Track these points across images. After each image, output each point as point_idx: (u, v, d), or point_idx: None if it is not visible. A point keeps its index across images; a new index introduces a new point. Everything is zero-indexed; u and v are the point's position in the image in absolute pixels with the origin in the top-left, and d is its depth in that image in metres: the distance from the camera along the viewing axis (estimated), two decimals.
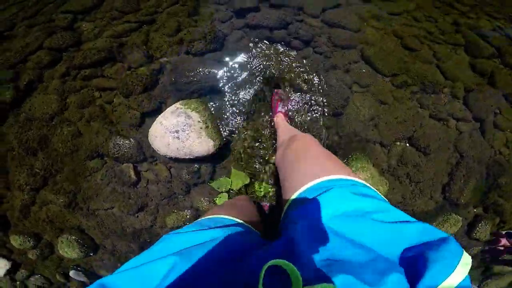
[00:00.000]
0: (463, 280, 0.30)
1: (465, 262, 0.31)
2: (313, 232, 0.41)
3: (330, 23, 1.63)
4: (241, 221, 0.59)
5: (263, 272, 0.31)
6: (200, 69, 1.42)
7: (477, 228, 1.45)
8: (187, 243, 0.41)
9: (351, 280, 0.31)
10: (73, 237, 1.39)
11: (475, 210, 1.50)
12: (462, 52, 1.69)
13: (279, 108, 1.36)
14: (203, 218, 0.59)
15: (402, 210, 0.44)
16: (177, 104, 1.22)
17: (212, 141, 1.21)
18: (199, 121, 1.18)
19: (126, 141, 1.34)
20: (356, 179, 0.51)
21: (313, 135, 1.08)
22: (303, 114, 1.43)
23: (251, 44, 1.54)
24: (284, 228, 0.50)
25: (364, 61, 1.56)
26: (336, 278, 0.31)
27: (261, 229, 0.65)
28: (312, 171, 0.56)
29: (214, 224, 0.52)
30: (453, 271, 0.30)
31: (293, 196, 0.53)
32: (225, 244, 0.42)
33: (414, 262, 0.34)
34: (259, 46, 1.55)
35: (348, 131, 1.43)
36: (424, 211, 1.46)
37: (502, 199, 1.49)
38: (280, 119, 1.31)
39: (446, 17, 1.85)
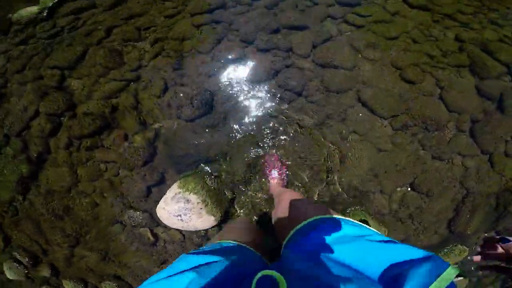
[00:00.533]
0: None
1: (446, 277, 0.32)
2: (304, 255, 0.49)
3: (322, 63, 1.51)
4: (244, 245, 0.64)
5: (255, 281, 0.37)
6: (192, 141, 1.43)
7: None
8: (201, 262, 0.47)
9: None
10: (114, 284, 1.67)
11: (485, 234, 1.48)
12: (467, 74, 1.53)
13: (272, 174, 1.37)
14: (212, 243, 0.66)
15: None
16: (175, 188, 1.28)
17: (213, 216, 1.30)
18: (198, 202, 1.26)
19: (139, 213, 1.46)
20: (340, 216, 0.59)
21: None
22: (298, 176, 1.43)
23: (240, 104, 1.49)
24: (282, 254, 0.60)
25: (361, 104, 1.48)
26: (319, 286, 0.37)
27: (261, 248, 0.71)
28: (300, 215, 0.65)
29: (223, 247, 0.60)
30: (435, 279, 0.31)
31: (289, 234, 0.62)
32: (232, 265, 0.47)
33: (393, 281, 0.35)
34: (248, 106, 1.50)
35: (347, 185, 1.43)
36: (428, 245, 1.48)
37: None
38: (273, 184, 1.34)
39: (447, 32, 1.65)
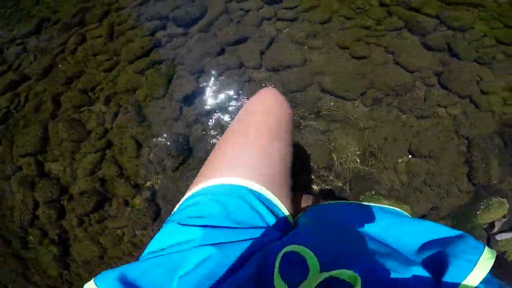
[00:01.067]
0: (487, 274, 0.29)
1: (487, 256, 0.30)
2: (331, 227, 0.42)
3: (275, 68, 1.47)
4: (286, 214, 0.46)
5: (279, 259, 0.30)
6: (186, 187, 1.51)
7: None
8: (225, 238, 0.37)
9: (373, 266, 0.30)
10: None
11: None
12: (407, 34, 1.53)
13: None
14: (202, 188, 0.45)
15: (438, 217, 0.52)
16: None
17: None
18: None
19: None
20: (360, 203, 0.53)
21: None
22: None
23: (216, 135, 1.49)
24: (301, 222, 0.48)
25: (328, 93, 1.49)
26: (357, 264, 0.30)
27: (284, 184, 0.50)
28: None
29: (255, 213, 0.41)
30: (474, 266, 0.29)
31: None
32: (253, 245, 0.38)
33: (434, 258, 0.33)
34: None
35: (347, 177, 1.45)
36: (461, 207, 1.40)
37: None
38: None
39: (371, 0, 1.61)
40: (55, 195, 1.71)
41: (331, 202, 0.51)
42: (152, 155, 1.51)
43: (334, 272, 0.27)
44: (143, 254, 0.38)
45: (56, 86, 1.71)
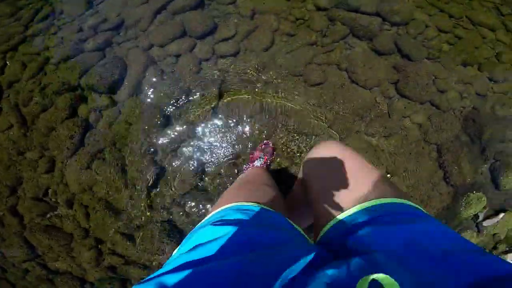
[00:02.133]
0: None
1: None
2: (406, 251, 0.34)
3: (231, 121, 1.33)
4: (278, 213, 0.50)
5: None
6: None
7: (502, 179, 1.38)
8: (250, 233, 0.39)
9: (466, 266, 0.28)
10: None
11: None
12: (355, 41, 1.49)
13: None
14: (227, 207, 0.50)
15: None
16: None
17: None
18: None
19: None
20: (394, 200, 0.43)
21: None
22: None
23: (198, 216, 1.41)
24: (332, 244, 0.43)
25: (296, 134, 1.39)
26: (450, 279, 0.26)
27: (281, 206, 0.59)
28: (351, 192, 0.48)
29: (255, 221, 0.45)
30: None
31: (352, 210, 0.44)
32: (282, 255, 0.35)
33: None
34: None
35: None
36: (445, 207, 1.43)
37: (503, 144, 1.45)
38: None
39: (307, 5, 1.52)
40: (77, 285, 1.76)
41: (365, 206, 0.43)
42: (146, 242, 1.50)
43: None
44: (172, 258, 0.38)
45: (3, 199, 1.49)
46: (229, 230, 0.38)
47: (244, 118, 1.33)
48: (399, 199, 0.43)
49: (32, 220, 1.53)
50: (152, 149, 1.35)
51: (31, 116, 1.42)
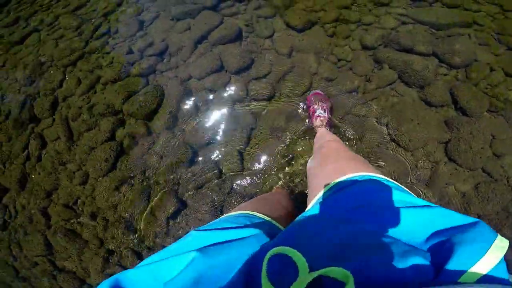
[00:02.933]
0: (496, 265, 0.25)
1: (500, 245, 0.26)
2: (324, 221, 0.40)
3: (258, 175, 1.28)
4: (269, 219, 0.53)
5: (266, 261, 0.28)
6: None
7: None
8: (210, 241, 0.39)
9: (365, 262, 0.28)
10: None
11: None
12: (404, 88, 1.35)
13: (316, 112, 1.22)
14: (230, 214, 0.56)
15: None
16: None
17: None
18: None
19: None
20: (381, 176, 0.49)
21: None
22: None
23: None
24: None
25: None
26: (350, 261, 0.28)
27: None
28: (337, 169, 0.55)
29: (241, 222, 0.48)
30: (484, 255, 0.25)
31: (319, 194, 0.51)
32: (248, 245, 0.39)
33: (440, 247, 0.30)
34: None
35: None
36: None
37: None
38: (316, 125, 1.22)
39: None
40: (77, 285, 1.89)
41: (340, 180, 0.49)
42: None
43: (323, 271, 0.25)
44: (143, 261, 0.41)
45: (38, 200, 1.65)
46: (188, 235, 0.41)
47: (271, 168, 1.29)
48: (368, 174, 0.49)
49: (57, 222, 1.67)
50: (177, 183, 1.38)
51: (77, 132, 1.55)
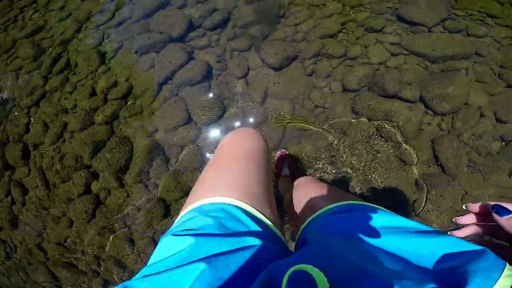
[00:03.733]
0: None
1: (508, 274, 0.28)
2: (341, 241, 0.39)
3: None
4: (271, 226, 0.47)
5: (286, 279, 0.27)
6: None
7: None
8: (215, 249, 0.37)
9: (386, 285, 0.27)
10: None
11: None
12: (381, 143, 1.30)
13: (283, 171, 1.24)
14: (196, 207, 0.47)
15: None
16: None
17: None
18: None
19: None
20: (368, 204, 0.49)
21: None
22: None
23: None
24: (303, 241, 0.48)
25: None
26: (369, 283, 0.28)
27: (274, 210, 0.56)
28: (326, 197, 0.56)
29: (243, 225, 0.43)
30: (494, 284, 0.26)
31: (312, 216, 0.50)
32: (253, 257, 0.37)
33: (451, 274, 0.30)
34: None
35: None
36: None
37: None
38: (284, 182, 1.20)
39: None
40: None
41: (340, 204, 0.49)
42: None
43: None
44: (143, 269, 0.38)
45: (31, 237, 1.77)
46: (185, 242, 0.38)
47: None
48: (351, 201, 0.50)
49: (54, 256, 1.83)
50: (154, 232, 1.47)
51: (53, 182, 1.59)
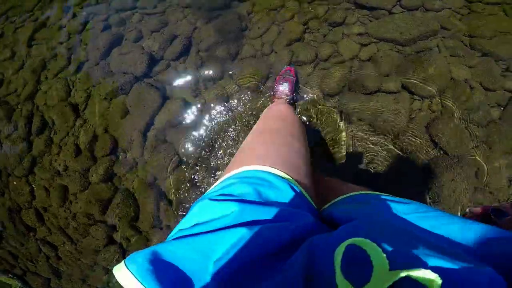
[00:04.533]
0: None
1: None
2: (387, 221, 0.36)
3: None
4: (307, 196, 0.46)
5: (340, 256, 0.24)
6: None
7: None
8: (257, 216, 0.36)
9: (448, 264, 0.24)
10: None
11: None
12: None
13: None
14: (235, 174, 0.46)
15: None
16: None
17: None
18: None
19: None
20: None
21: None
22: None
23: None
24: (330, 218, 0.44)
25: None
26: (430, 263, 0.24)
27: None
28: (352, 187, 0.55)
29: (281, 193, 0.42)
30: None
31: (339, 198, 0.49)
32: (289, 229, 0.35)
33: (500, 258, 0.28)
34: None
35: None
36: None
37: None
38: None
39: None
40: None
41: (368, 192, 0.48)
42: None
43: (414, 273, 0.21)
44: (172, 232, 0.36)
45: (77, 285, 1.98)
46: (229, 208, 0.37)
47: None
48: (372, 192, 0.49)
49: None
50: None
51: (76, 238, 1.72)
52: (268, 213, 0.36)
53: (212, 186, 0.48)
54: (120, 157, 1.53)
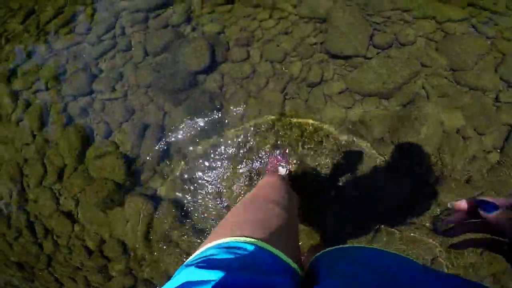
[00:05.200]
0: None
1: None
2: (371, 275, 0.38)
3: None
4: (291, 263, 0.46)
5: None
6: None
7: None
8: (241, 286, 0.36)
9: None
10: None
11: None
12: None
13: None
14: (217, 244, 0.47)
15: None
16: None
17: None
18: None
19: None
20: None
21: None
22: None
23: None
24: (315, 272, 0.46)
25: None
26: None
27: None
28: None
29: (265, 263, 0.44)
30: None
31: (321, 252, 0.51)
32: None
33: None
34: None
35: None
36: None
37: None
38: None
39: None
40: None
41: (346, 246, 0.50)
42: None
43: None
44: None
45: None
46: (213, 275, 0.38)
47: None
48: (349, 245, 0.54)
49: None
50: None
51: None
52: (250, 282, 0.37)
53: (194, 254, 0.49)
54: (132, 255, 1.57)
